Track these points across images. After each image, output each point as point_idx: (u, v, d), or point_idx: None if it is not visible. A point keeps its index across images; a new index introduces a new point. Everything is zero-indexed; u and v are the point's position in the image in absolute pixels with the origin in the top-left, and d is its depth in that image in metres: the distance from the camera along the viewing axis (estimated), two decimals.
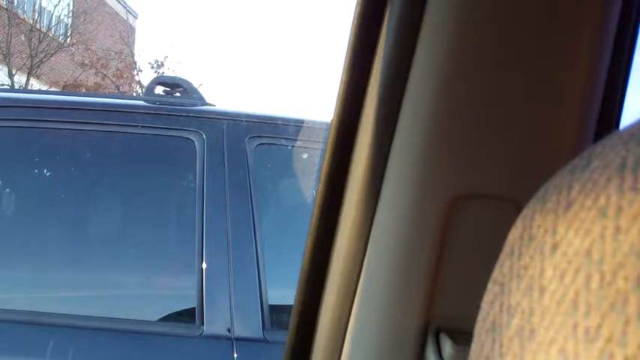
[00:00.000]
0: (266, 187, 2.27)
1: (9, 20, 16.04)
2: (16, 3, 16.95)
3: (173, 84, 2.40)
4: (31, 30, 16.90)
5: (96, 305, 2.04)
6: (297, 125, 2.22)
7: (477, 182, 0.60)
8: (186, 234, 2.05)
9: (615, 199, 0.20)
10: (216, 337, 1.89)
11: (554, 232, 0.21)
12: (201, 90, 2.46)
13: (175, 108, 2.19)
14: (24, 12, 17.53)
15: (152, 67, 19.02)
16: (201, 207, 2.01)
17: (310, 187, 2.15)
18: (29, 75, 16.62)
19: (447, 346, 0.61)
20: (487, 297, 0.24)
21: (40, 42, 16.95)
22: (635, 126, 0.22)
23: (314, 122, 2.23)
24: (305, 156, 2.25)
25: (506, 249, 0.24)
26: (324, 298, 0.73)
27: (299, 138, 2.20)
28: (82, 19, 18.92)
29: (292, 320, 0.76)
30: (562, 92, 0.59)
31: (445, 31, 0.58)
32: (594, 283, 0.19)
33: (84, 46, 18.47)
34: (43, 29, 17.58)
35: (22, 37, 16.82)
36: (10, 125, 2.13)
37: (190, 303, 1.96)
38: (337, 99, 0.69)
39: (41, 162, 2.26)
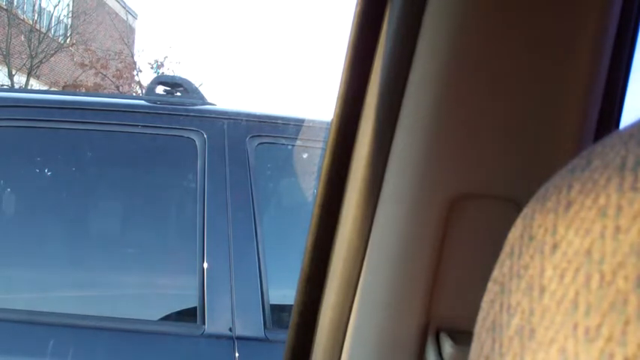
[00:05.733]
0: (267, 186, 2.27)
1: (9, 20, 16.04)
2: (15, 3, 16.94)
3: (174, 83, 2.40)
4: (31, 30, 16.90)
5: (98, 305, 2.04)
6: (298, 124, 2.22)
7: (477, 182, 0.60)
8: (188, 233, 2.05)
9: (615, 198, 0.20)
10: (217, 337, 1.89)
11: (555, 232, 0.21)
12: (201, 90, 2.46)
13: (176, 107, 2.19)
14: (24, 12, 17.53)
15: (152, 68, 19.03)
16: (202, 206, 2.01)
17: (311, 186, 2.15)
18: (29, 75, 16.62)
19: (447, 346, 0.61)
20: (487, 297, 0.24)
21: (39, 42, 16.95)
22: (635, 126, 0.22)
23: (314, 122, 2.23)
24: (305, 155, 2.25)
25: (506, 249, 0.24)
26: (325, 297, 0.73)
27: (299, 137, 2.20)
28: (81, 20, 18.91)
29: (292, 320, 0.76)
30: (562, 92, 0.59)
31: (445, 31, 0.58)
32: (594, 282, 0.19)
33: (84, 46, 18.47)
34: (43, 30, 17.57)
35: (22, 38, 16.82)
36: (10, 125, 2.13)
37: (192, 302, 1.96)
38: (337, 99, 0.69)
39: (41, 162, 2.26)
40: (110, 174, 2.26)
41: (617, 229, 0.19)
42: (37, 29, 17.12)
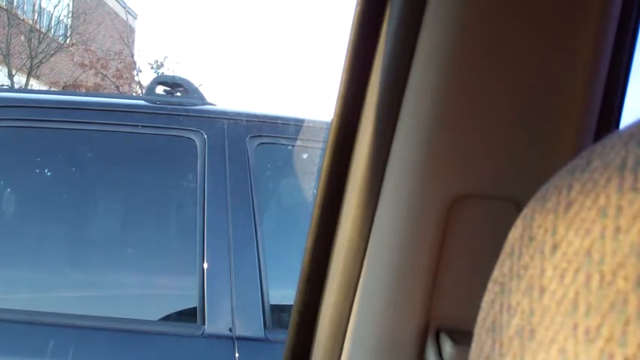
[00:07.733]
0: (267, 186, 2.27)
1: (9, 21, 16.04)
2: (15, 3, 16.94)
3: (174, 83, 2.40)
4: (31, 30, 16.90)
5: (98, 305, 2.04)
6: (298, 125, 2.22)
7: (477, 182, 0.60)
8: (188, 233, 2.05)
9: (615, 199, 0.20)
10: (217, 337, 1.89)
11: (554, 232, 0.21)
12: (201, 90, 2.46)
13: (176, 107, 2.19)
14: (24, 12, 17.53)
15: (152, 68, 19.04)
16: (202, 206, 2.01)
17: (311, 186, 2.15)
18: (29, 76, 16.62)
19: (447, 346, 0.61)
20: (487, 297, 0.24)
21: (39, 42, 16.95)
22: (635, 126, 0.22)
23: (314, 122, 2.23)
24: (305, 155, 2.25)
25: (506, 249, 0.24)
26: (325, 298, 0.73)
27: (299, 137, 2.20)
28: (81, 20, 18.92)
29: (292, 320, 0.76)
30: (562, 92, 0.59)
31: (445, 31, 0.58)
32: (594, 283, 0.19)
33: (84, 46, 18.47)
34: (43, 30, 17.57)
35: (22, 38, 16.82)
36: (10, 125, 2.13)
37: (192, 302, 1.96)
38: (337, 99, 0.69)
39: (41, 162, 2.26)
40: (110, 174, 2.26)
41: (617, 229, 0.19)
42: (37, 29, 17.11)
